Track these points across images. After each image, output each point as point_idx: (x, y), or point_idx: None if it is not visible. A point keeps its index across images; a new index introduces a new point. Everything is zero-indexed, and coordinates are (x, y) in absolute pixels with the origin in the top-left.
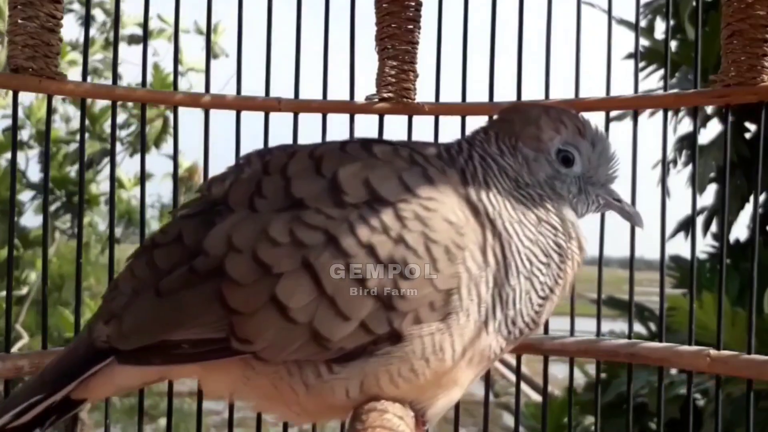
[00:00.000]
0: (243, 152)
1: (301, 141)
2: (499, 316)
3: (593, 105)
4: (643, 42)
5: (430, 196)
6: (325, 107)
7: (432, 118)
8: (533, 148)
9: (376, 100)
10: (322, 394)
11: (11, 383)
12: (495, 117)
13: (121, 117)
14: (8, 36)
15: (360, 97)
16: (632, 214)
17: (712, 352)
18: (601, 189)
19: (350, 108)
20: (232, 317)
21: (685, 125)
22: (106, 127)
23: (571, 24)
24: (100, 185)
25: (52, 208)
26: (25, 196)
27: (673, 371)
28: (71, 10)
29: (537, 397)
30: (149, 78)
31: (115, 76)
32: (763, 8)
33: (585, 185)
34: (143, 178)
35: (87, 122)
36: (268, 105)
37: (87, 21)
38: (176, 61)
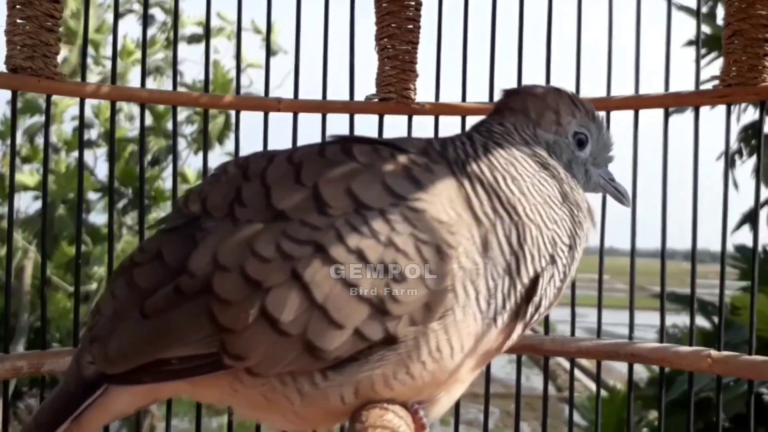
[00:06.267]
0: (242, 153)
1: (301, 141)
2: (510, 306)
3: (594, 104)
4: (705, 29)
5: (417, 197)
6: (325, 107)
7: (432, 118)
8: (552, 132)
9: (376, 100)
10: (317, 401)
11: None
12: (504, 105)
13: (182, 114)
14: (7, 36)
15: (360, 97)
16: (623, 194)
17: (713, 352)
18: (602, 170)
19: (350, 108)
20: (223, 335)
21: (750, 114)
22: (170, 125)
23: (572, 22)
24: (166, 182)
25: (119, 205)
26: (93, 193)
27: None
28: (131, 11)
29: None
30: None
31: (114, 76)
32: (764, 8)
33: (589, 166)
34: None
35: (151, 120)
36: (268, 105)
37: (86, 22)
38: (175, 63)
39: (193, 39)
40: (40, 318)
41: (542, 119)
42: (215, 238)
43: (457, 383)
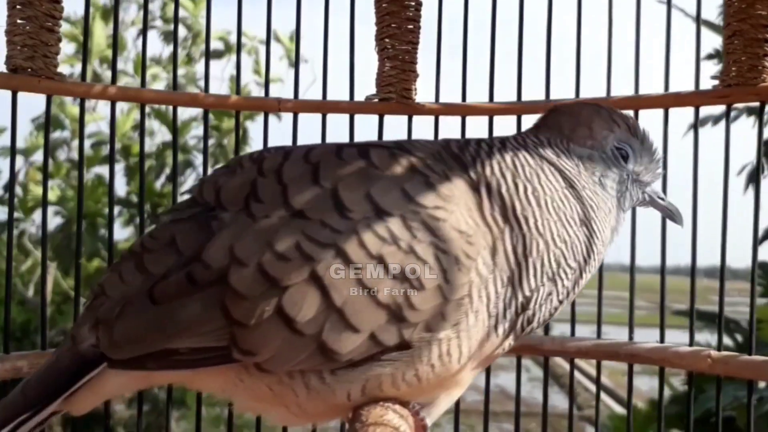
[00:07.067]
0: (241, 152)
1: (300, 141)
2: (510, 315)
3: None
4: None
5: (437, 205)
6: (325, 107)
7: (432, 118)
8: (587, 146)
9: (376, 100)
10: (323, 395)
11: (9, 385)
12: (541, 120)
13: (199, 129)
14: (7, 36)
15: (360, 97)
16: (674, 213)
17: (713, 353)
18: (647, 187)
19: (350, 108)
20: (234, 328)
21: None
22: (189, 138)
23: (571, 22)
24: (184, 197)
25: (137, 220)
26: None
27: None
28: (153, 27)
29: (620, 410)
30: (227, 89)
31: (114, 76)
32: (764, 8)
33: (632, 183)
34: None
35: (170, 135)
36: (268, 105)
37: (86, 22)
38: (175, 59)
39: (213, 55)
40: (41, 320)
41: (575, 134)
42: (232, 231)
43: (457, 386)
